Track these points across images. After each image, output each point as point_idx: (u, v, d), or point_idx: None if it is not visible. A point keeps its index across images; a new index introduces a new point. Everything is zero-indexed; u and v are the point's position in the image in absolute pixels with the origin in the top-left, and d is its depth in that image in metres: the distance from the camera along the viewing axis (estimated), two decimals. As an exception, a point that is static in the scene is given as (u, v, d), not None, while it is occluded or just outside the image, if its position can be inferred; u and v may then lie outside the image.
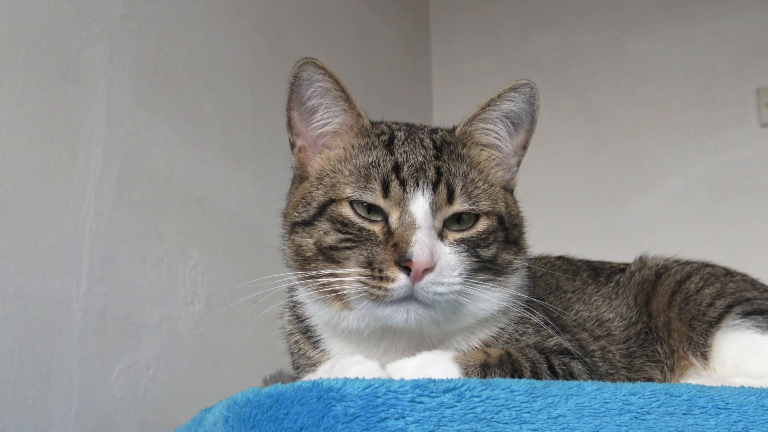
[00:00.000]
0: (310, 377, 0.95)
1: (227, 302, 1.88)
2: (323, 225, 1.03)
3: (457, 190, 1.02)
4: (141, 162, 1.72)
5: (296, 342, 1.16)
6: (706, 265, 1.35)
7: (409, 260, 0.94)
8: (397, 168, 1.02)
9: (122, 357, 1.60)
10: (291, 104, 1.10)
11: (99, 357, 1.54)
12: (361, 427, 0.77)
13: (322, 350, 1.11)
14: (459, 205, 1.02)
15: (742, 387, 0.95)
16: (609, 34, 3.24)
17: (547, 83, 3.28)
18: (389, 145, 1.06)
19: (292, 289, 1.15)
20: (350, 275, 0.98)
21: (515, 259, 1.08)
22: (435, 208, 1.00)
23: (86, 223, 1.56)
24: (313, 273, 1.02)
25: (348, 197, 1.02)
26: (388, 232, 0.98)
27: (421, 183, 1.00)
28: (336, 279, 0.99)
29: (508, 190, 1.14)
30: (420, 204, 0.99)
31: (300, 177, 1.12)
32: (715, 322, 1.20)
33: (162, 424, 1.62)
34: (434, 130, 1.12)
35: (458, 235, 1.01)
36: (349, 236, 1.00)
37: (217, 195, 1.94)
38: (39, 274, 1.44)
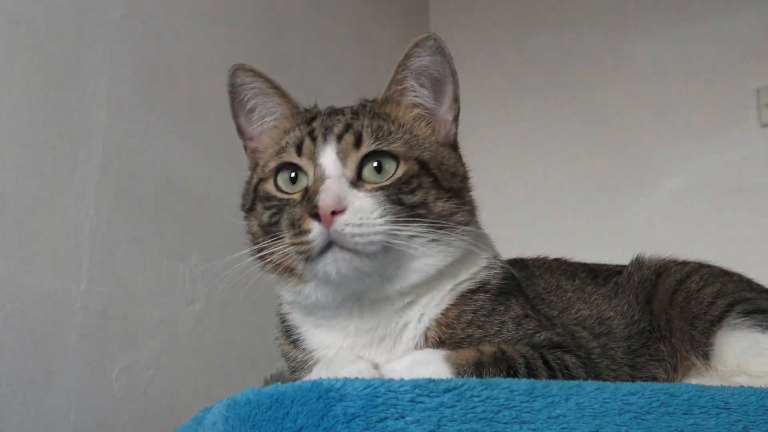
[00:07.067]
0: (308, 377, 0.96)
1: (227, 302, 1.88)
2: (259, 206, 1.09)
3: (365, 135, 1.04)
4: (141, 162, 1.72)
5: (280, 345, 1.18)
6: (703, 265, 1.35)
7: (316, 206, 0.96)
8: (311, 132, 1.07)
9: (122, 357, 1.60)
10: (235, 111, 1.18)
11: (99, 357, 1.55)
12: (360, 426, 0.77)
13: (303, 349, 1.12)
14: (366, 147, 1.03)
15: (742, 387, 0.95)
16: (608, 34, 3.24)
17: (546, 83, 3.31)
18: (311, 121, 1.11)
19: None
20: (283, 240, 1.01)
21: (456, 210, 1.06)
22: (343, 156, 1.03)
23: (86, 223, 1.56)
24: (259, 246, 1.06)
25: (271, 170, 1.08)
26: (306, 192, 1.02)
27: (329, 137, 1.05)
28: (277, 250, 1.02)
29: (447, 145, 1.14)
30: (328, 154, 1.03)
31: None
32: (717, 321, 1.20)
33: (162, 424, 1.62)
34: (363, 102, 1.16)
35: (376, 185, 1.02)
36: (274, 209, 1.05)
37: (217, 195, 1.94)
38: (39, 273, 1.44)
